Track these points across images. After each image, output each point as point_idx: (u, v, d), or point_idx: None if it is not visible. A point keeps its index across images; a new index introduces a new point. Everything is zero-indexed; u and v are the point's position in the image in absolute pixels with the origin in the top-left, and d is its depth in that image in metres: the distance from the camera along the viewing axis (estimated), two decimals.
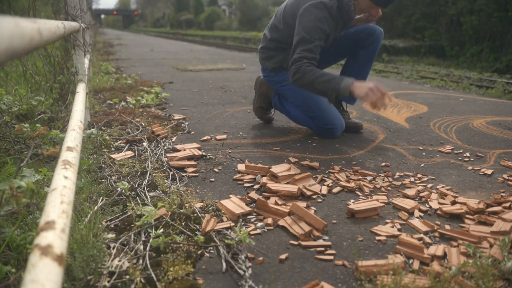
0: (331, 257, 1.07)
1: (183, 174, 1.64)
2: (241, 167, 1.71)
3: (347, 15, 2.09)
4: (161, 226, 1.19)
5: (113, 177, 1.57)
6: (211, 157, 1.87)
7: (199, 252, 1.08)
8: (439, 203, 1.40)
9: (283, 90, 2.32)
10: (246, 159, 1.84)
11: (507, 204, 1.35)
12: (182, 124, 2.45)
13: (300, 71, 1.97)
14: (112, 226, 1.21)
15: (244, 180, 1.59)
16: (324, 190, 1.50)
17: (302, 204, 1.36)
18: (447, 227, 1.23)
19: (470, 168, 1.79)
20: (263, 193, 1.46)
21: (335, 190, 1.51)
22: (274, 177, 1.56)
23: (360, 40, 2.26)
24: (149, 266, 1.00)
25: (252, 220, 1.27)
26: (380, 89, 1.81)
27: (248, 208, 1.30)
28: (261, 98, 2.48)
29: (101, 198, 1.36)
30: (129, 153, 1.86)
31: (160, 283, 0.94)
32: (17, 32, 0.45)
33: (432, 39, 13.08)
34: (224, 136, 2.19)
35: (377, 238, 1.17)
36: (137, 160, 1.79)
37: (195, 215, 1.27)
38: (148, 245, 1.09)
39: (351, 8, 2.06)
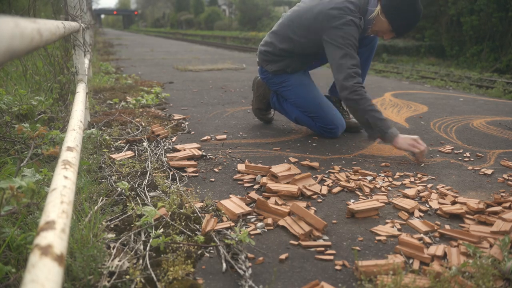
0: (331, 257, 1.07)
1: (183, 174, 1.64)
2: (241, 167, 1.71)
3: (361, 34, 2.10)
4: (161, 226, 1.19)
5: (113, 177, 1.57)
6: (211, 157, 1.87)
7: (199, 252, 1.08)
8: (439, 203, 1.40)
9: (283, 91, 2.31)
10: (246, 159, 1.84)
11: (507, 204, 1.35)
12: (182, 124, 2.45)
13: (358, 94, 1.92)
14: (112, 226, 1.21)
15: (244, 180, 1.59)
16: (324, 190, 1.50)
17: (302, 204, 1.36)
18: (447, 227, 1.23)
19: (470, 168, 1.79)
20: (263, 193, 1.46)
21: (335, 190, 1.51)
22: (274, 177, 1.56)
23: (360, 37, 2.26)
24: (149, 266, 1.00)
25: (252, 220, 1.27)
26: (421, 144, 1.84)
27: (248, 208, 1.30)
28: (259, 99, 2.47)
29: (101, 198, 1.36)
30: (129, 153, 1.86)
31: (160, 283, 0.94)
32: (17, 32, 0.45)
33: (432, 39, 13.08)
34: (224, 136, 2.19)
35: (377, 238, 1.17)
36: (137, 160, 1.79)
37: (195, 215, 1.27)
38: (148, 245, 1.09)
39: (368, 30, 2.07)
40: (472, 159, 1.91)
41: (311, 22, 2.07)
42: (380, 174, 1.69)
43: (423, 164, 1.82)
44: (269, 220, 1.24)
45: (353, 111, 1.98)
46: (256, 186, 1.54)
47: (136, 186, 1.50)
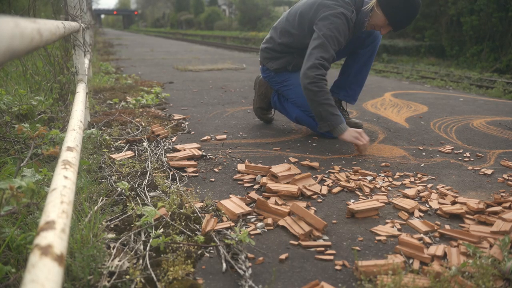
0: (331, 257, 1.07)
1: (183, 174, 1.64)
2: (241, 167, 1.71)
3: (359, 29, 2.10)
4: (161, 226, 1.19)
5: (113, 177, 1.57)
6: (211, 157, 1.87)
7: (199, 252, 1.08)
8: (439, 203, 1.40)
9: (284, 91, 2.32)
10: (246, 159, 1.84)
11: (507, 204, 1.35)
12: (182, 124, 2.45)
13: (318, 86, 1.95)
14: (112, 226, 1.21)
15: (244, 180, 1.59)
16: (324, 190, 1.50)
17: (302, 204, 1.36)
18: (447, 227, 1.23)
19: (470, 168, 1.78)
20: (263, 193, 1.46)
21: (335, 190, 1.51)
22: (274, 177, 1.56)
23: (360, 39, 2.26)
24: (149, 266, 1.00)
25: (252, 220, 1.27)
26: (365, 137, 1.94)
27: (248, 208, 1.30)
28: (260, 98, 2.48)
29: (101, 198, 1.36)
30: (129, 153, 1.86)
31: (160, 283, 0.94)
32: (17, 32, 0.45)
33: (432, 39, 13.07)
34: (224, 136, 2.19)
35: (377, 238, 1.17)
36: (137, 160, 1.79)
37: (195, 215, 1.27)
38: (148, 245, 1.09)
39: (365, 24, 2.07)
40: (472, 159, 1.91)
41: (307, 12, 2.10)
42: (380, 174, 1.69)
43: (423, 165, 1.82)
44: (269, 220, 1.24)
45: (310, 101, 2.03)
46: (256, 186, 1.54)
47: (136, 186, 1.50)
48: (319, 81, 1.96)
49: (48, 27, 0.73)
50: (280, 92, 2.36)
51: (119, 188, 1.44)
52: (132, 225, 1.20)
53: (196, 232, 1.18)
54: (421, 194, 1.48)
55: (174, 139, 2.13)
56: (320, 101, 1.96)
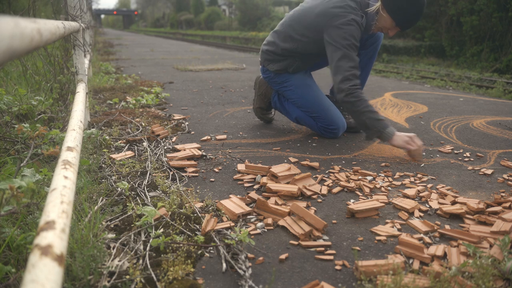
0: (331, 257, 1.07)
1: (183, 174, 1.64)
2: (241, 167, 1.71)
3: (366, 32, 2.10)
4: (161, 226, 1.19)
5: (113, 177, 1.57)
6: (211, 157, 1.87)
7: (199, 252, 1.08)
8: (439, 203, 1.40)
9: (284, 91, 2.31)
10: (246, 159, 1.84)
11: (507, 204, 1.35)
12: (182, 124, 2.45)
13: (354, 96, 1.93)
14: (112, 226, 1.20)
15: (244, 180, 1.59)
16: (324, 190, 1.50)
17: (302, 204, 1.36)
18: (447, 227, 1.23)
19: (470, 168, 1.78)
20: (263, 193, 1.46)
21: (335, 190, 1.51)
22: (274, 177, 1.56)
23: (362, 40, 2.26)
24: (149, 266, 1.00)
25: (252, 220, 1.27)
26: (417, 142, 1.85)
27: (248, 208, 1.30)
28: (260, 98, 2.47)
29: (101, 198, 1.36)
30: (129, 153, 1.86)
31: (160, 283, 0.94)
32: (17, 32, 0.45)
33: (432, 39, 13.07)
34: (224, 136, 2.19)
35: (377, 238, 1.17)
36: (137, 160, 1.79)
37: (195, 215, 1.27)
38: (148, 245, 1.09)
39: (372, 28, 2.07)
40: (472, 159, 1.91)
41: (312, 20, 2.07)
42: (380, 174, 1.69)
43: (423, 164, 1.82)
44: (269, 220, 1.24)
45: (350, 112, 1.99)
46: (256, 186, 1.54)
47: (136, 186, 1.50)
48: (354, 91, 1.92)
49: (48, 27, 0.73)
50: (281, 93, 2.36)
51: (119, 188, 1.44)
52: (132, 225, 1.20)
53: (196, 232, 1.18)
54: (421, 194, 1.48)
55: (174, 139, 2.13)
56: (360, 110, 1.92)
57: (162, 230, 1.16)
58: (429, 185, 1.57)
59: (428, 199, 1.44)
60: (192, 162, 1.75)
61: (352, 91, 1.93)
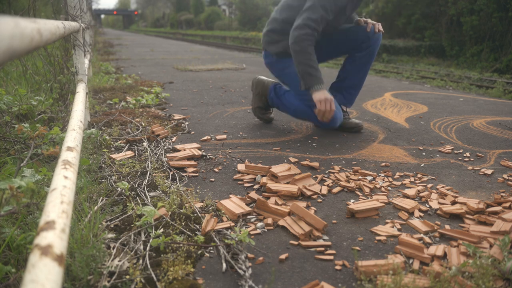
0: (331, 257, 1.07)
1: (183, 174, 1.64)
2: (241, 167, 1.71)
3: None
4: (161, 226, 1.19)
5: (113, 177, 1.57)
6: (211, 157, 1.87)
7: (199, 252, 1.08)
8: (439, 203, 1.40)
9: (284, 78, 2.36)
10: (246, 159, 1.84)
11: (507, 204, 1.35)
12: (182, 124, 2.45)
13: (299, 45, 2.04)
14: (112, 226, 1.20)
15: (244, 180, 1.59)
16: (324, 190, 1.50)
17: (302, 204, 1.36)
18: (447, 227, 1.23)
19: (470, 168, 1.79)
20: (263, 193, 1.46)
21: (335, 190, 1.51)
22: (274, 177, 1.56)
23: (358, 40, 2.25)
24: (149, 266, 1.00)
25: (252, 220, 1.27)
26: (331, 106, 2.04)
27: (248, 208, 1.30)
28: (258, 97, 2.49)
29: (101, 198, 1.36)
30: (129, 153, 1.86)
31: (160, 283, 0.94)
32: (17, 32, 0.45)
33: (432, 39, 13.07)
34: (224, 136, 2.19)
35: (377, 238, 1.17)
36: (137, 160, 1.79)
37: (195, 215, 1.27)
38: (148, 245, 1.09)
39: None
40: (472, 159, 1.91)
41: None
42: (380, 174, 1.69)
43: (423, 165, 1.82)
44: (269, 220, 1.24)
45: (294, 59, 2.11)
46: (256, 186, 1.54)
47: (136, 186, 1.50)
48: (302, 41, 2.03)
49: (48, 27, 0.73)
50: (280, 80, 2.41)
51: (119, 188, 1.44)
52: (132, 225, 1.20)
53: (196, 232, 1.18)
54: (421, 194, 1.48)
55: (174, 139, 2.13)
56: (300, 60, 2.05)
57: (162, 230, 1.16)
58: (429, 185, 1.57)
59: (428, 199, 1.44)
60: (192, 162, 1.75)
61: (299, 40, 2.04)
